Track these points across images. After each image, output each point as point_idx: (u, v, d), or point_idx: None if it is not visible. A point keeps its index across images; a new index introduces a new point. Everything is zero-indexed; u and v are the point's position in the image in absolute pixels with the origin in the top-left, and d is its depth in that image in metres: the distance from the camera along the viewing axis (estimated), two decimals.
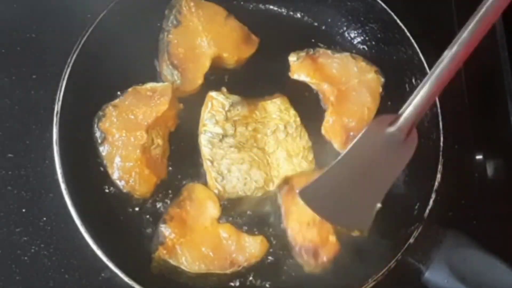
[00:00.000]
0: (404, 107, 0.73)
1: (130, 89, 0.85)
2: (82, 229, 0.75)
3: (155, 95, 0.84)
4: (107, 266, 0.74)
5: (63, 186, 0.77)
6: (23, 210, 0.88)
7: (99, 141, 0.82)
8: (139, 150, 0.81)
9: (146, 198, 0.84)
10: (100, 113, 0.83)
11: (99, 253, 0.74)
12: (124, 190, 0.82)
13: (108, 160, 0.82)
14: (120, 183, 0.81)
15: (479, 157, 0.94)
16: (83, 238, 0.75)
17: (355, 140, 0.74)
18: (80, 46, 0.83)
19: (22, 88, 0.93)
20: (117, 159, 0.81)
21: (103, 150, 0.82)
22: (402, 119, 0.73)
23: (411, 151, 0.77)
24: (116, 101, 0.84)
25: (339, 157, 0.75)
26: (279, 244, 0.84)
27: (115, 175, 0.81)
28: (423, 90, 0.71)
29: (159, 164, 0.85)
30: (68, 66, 0.82)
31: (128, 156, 0.81)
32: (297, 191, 0.78)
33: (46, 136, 0.82)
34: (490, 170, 0.93)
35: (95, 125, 0.82)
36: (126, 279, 0.74)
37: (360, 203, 0.78)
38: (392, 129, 0.74)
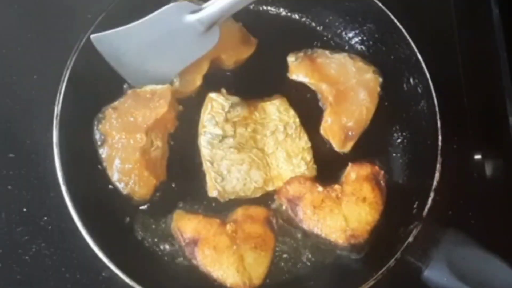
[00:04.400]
0: (209, 2, 0.76)
1: (129, 91, 0.84)
2: (83, 231, 0.74)
3: (155, 97, 0.83)
4: (107, 266, 0.74)
5: (63, 188, 0.76)
6: (24, 210, 0.87)
7: (99, 143, 0.81)
8: (139, 152, 0.80)
9: (146, 199, 0.82)
10: (100, 115, 0.82)
11: (100, 254, 0.73)
12: (124, 192, 0.80)
13: (107, 162, 0.81)
14: (120, 185, 0.80)
15: (477, 157, 0.93)
16: (83, 237, 0.74)
17: (157, 11, 0.78)
18: (79, 48, 0.82)
19: (22, 88, 0.92)
20: (117, 161, 0.80)
21: (103, 152, 0.81)
22: (203, 11, 0.77)
23: (210, 45, 0.82)
24: (116, 103, 0.83)
25: (139, 21, 0.80)
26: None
27: (114, 177, 0.80)
28: None
29: (158, 166, 0.83)
30: (68, 68, 0.81)
31: (128, 158, 0.80)
32: (91, 36, 0.81)
33: (46, 136, 0.80)
34: (488, 170, 0.92)
35: (95, 127, 0.81)
36: (126, 279, 0.73)
37: (155, 69, 0.84)
38: (192, 17, 0.78)
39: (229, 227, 0.79)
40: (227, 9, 0.76)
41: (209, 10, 0.77)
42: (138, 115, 0.82)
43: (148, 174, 0.80)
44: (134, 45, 0.83)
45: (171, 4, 0.79)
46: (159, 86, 0.84)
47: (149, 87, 0.84)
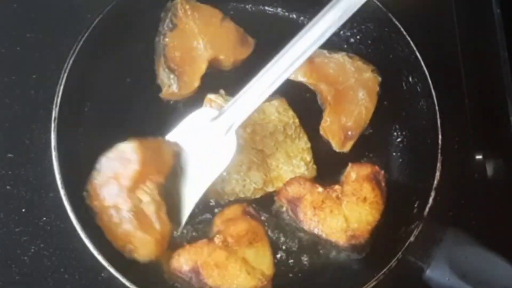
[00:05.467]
0: (227, 105, 0.77)
1: (103, 159, 0.77)
2: (81, 232, 0.73)
3: (124, 155, 0.76)
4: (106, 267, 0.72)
5: (62, 192, 0.75)
6: (23, 210, 0.85)
7: (93, 215, 0.76)
8: (129, 215, 0.75)
9: (152, 257, 0.76)
10: (85, 193, 0.76)
11: (99, 258, 0.72)
12: (127, 257, 0.75)
13: (106, 231, 0.76)
14: (122, 251, 0.75)
15: (478, 157, 0.93)
16: (82, 238, 0.73)
17: (182, 122, 0.79)
18: (78, 47, 0.81)
19: (22, 88, 0.91)
20: (111, 229, 0.75)
21: (99, 223, 0.76)
22: (222, 114, 0.78)
23: (230, 155, 0.78)
24: (95, 176, 0.76)
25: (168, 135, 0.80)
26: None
27: (114, 244, 0.75)
28: (248, 95, 0.75)
29: (155, 222, 0.76)
30: (66, 70, 0.80)
31: (120, 224, 0.75)
32: None
33: (45, 135, 0.80)
34: (489, 170, 0.91)
35: (86, 202, 0.76)
36: (126, 282, 0.72)
37: (178, 199, 0.80)
38: (211, 124, 0.78)
39: (217, 240, 0.77)
40: (241, 113, 0.76)
41: (226, 112, 0.77)
42: (117, 178, 0.75)
43: (143, 234, 0.75)
44: None
45: (194, 113, 0.78)
46: (124, 144, 0.76)
47: (116, 147, 0.77)
